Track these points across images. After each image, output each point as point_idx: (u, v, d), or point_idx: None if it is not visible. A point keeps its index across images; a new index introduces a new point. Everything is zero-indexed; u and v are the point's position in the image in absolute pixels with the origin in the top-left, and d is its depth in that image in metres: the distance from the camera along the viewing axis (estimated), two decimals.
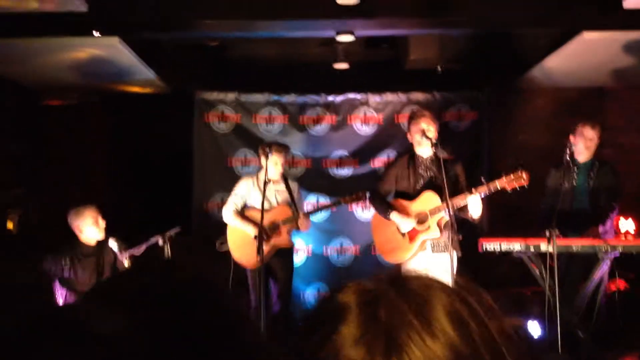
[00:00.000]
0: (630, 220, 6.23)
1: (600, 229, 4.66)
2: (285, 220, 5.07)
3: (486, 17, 5.18)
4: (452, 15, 5.09)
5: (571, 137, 4.87)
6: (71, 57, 5.58)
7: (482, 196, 4.28)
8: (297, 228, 5.10)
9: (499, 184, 4.22)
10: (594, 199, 4.86)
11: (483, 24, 5.42)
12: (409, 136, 4.72)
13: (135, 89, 6.71)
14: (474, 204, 4.24)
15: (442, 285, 0.81)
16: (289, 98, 6.64)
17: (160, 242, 4.37)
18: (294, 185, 5.32)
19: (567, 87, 6.99)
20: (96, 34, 5.00)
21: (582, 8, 4.97)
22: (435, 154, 4.47)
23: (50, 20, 4.73)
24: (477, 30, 5.78)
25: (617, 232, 6.09)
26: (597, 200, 4.84)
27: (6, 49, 5.32)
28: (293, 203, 5.15)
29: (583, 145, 4.77)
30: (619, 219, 6.16)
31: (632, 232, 6.16)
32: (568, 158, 4.69)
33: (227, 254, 5.21)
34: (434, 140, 4.44)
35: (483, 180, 4.27)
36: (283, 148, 5.19)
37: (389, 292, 0.78)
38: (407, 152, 4.84)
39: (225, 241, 5.22)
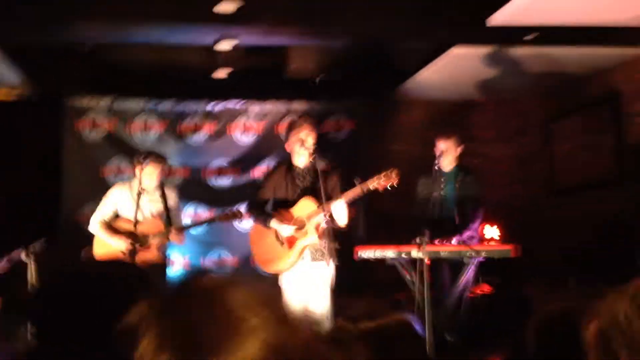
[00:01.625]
0: (495, 227, 6.61)
1: (465, 235, 4.90)
2: (156, 235, 4.90)
3: (363, 29, 5.32)
4: (330, 26, 5.19)
5: (437, 149, 5.10)
6: None
7: (348, 201, 4.36)
8: (169, 242, 4.94)
9: (370, 184, 4.32)
10: (460, 207, 5.10)
11: (359, 36, 5.56)
12: (287, 146, 4.74)
13: (2, 93, 6.30)
14: (337, 210, 4.33)
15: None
16: (166, 106, 6.48)
17: (23, 256, 4.11)
18: (171, 195, 5.14)
19: (439, 100, 7.32)
20: None
21: (452, 24, 5.22)
22: (312, 163, 4.51)
23: None
24: (354, 42, 5.92)
25: (482, 238, 6.45)
26: (463, 208, 5.08)
27: None
28: (167, 215, 4.97)
29: (442, 156, 5.01)
30: (485, 226, 6.52)
31: (497, 238, 6.54)
32: (436, 168, 4.92)
33: None
34: (311, 151, 4.49)
35: (356, 181, 4.35)
36: (159, 159, 5.01)
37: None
38: (285, 161, 4.86)
39: (91, 253, 4.97)
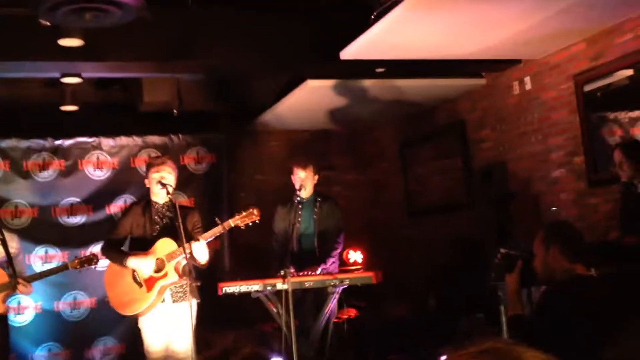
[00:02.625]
0: (358, 252, 6.80)
1: (329, 264, 4.99)
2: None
3: (217, 63, 5.31)
4: (183, 60, 5.12)
5: (292, 177, 5.16)
6: None
7: (212, 239, 4.33)
8: (16, 293, 4.55)
9: (232, 222, 4.33)
10: (320, 234, 5.16)
11: (215, 70, 5.54)
12: (146, 182, 4.59)
13: None
14: (198, 250, 4.26)
15: None
16: (10, 142, 6.07)
17: None
18: (13, 242, 4.70)
19: (298, 130, 7.45)
20: None
21: (306, 58, 5.34)
22: (171, 201, 4.40)
23: None
24: (209, 76, 5.90)
25: (347, 263, 6.61)
26: (324, 235, 5.16)
27: None
28: (11, 264, 4.53)
29: (299, 184, 5.07)
30: (349, 251, 6.69)
31: (360, 261, 6.73)
32: (296, 197, 4.99)
33: None
34: (169, 190, 4.37)
35: (218, 220, 4.33)
36: None
37: None
38: (143, 198, 4.70)
39: None
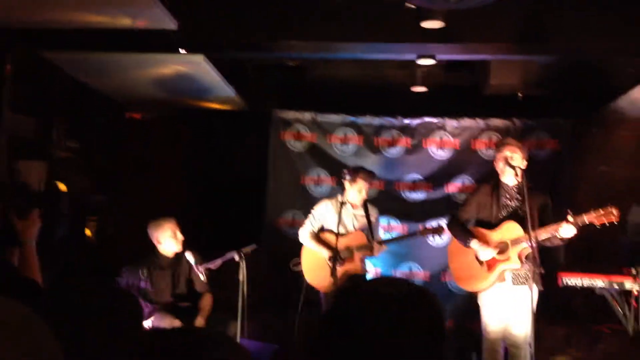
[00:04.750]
0: None
1: None
2: (359, 247, 5.04)
3: (577, 44, 5.04)
4: (541, 42, 4.98)
5: None
6: (157, 73, 5.75)
7: (570, 228, 4.13)
8: (371, 255, 5.06)
9: (587, 218, 4.07)
10: None
11: (574, 51, 5.27)
12: (495, 164, 4.62)
13: (215, 106, 6.86)
14: (567, 232, 4.10)
15: None
16: (364, 119, 6.64)
17: (237, 257, 4.41)
18: (373, 212, 5.27)
19: None
20: (182, 51, 5.14)
21: None
22: (520, 183, 4.34)
23: (140, 36, 4.89)
24: (567, 58, 5.64)
25: None
26: None
27: (97, 63, 5.53)
28: (370, 230, 5.10)
29: None
30: None
31: None
32: None
33: (300, 274, 5.23)
34: (517, 170, 4.33)
35: (569, 213, 4.12)
36: (370, 175, 5.15)
37: None
38: (492, 179, 4.73)
39: (299, 262, 5.24)
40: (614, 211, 4.02)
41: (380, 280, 1.39)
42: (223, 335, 1.18)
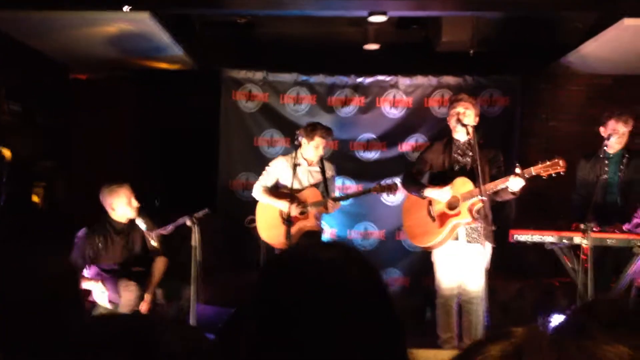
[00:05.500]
0: None
1: (633, 223, 4.57)
2: (314, 204, 5.03)
3: (522, 1, 5.05)
4: None
5: (601, 129, 4.77)
6: (101, 31, 5.54)
7: (518, 181, 4.17)
8: (326, 211, 5.06)
9: (534, 170, 4.12)
10: (624, 193, 4.78)
11: (522, 6, 5.27)
12: (448, 120, 4.64)
13: (163, 65, 6.67)
14: (516, 185, 4.14)
15: None
16: (317, 78, 6.55)
17: (189, 222, 4.34)
18: (329, 169, 5.26)
19: (603, 74, 6.83)
20: (126, 8, 4.95)
21: None
22: (472, 140, 4.37)
23: None
24: (514, 13, 5.63)
25: None
26: (628, 194, 4.76)
27: (38, 22, 5.30)
28: (325, 186, 5.10)
29: (614, 139, 4.66)
30: None
31: None
32: (603, 149, 4.61)
33: (255, 231, 5.20)
34: (468, 128, 4.35)
35: (518, 166, 4.17)
36: (327, 132, 5.13)
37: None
38: (444, 136, 4.74)
39: (253, 219, 5.22)
40: (561, 162, 4.07)
41: (302, 251, 1.29)
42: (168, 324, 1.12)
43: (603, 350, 0.74)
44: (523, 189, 4.20)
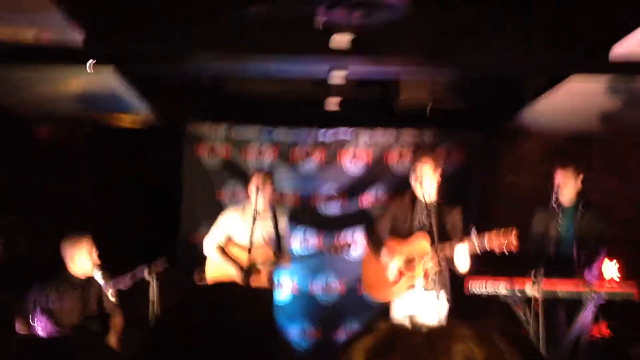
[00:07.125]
0: (615, 263, 6.24)
1: (586, 276, 4.69)
2: (265, 263, 5.03)
3: (480, 61, 5.24)
4: (446, 58, 5.15)
5: (555, 182, 4.93)
6: (64, 87, 5.59)
7: (471, 250, 4.29)
8: (280, 267, 5.07)
9: (488, 244, 4.27)
10: (579, 245, 4.89)
11: (480, 67, 5.47)
12: (410, 178, 4.75)
13: (127, 120, 6.72)
14: (458, 256, 4.26)
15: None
16: (279, 133, 6.66)
17: (146, 274, 4.33)
18: (282, 218, 5.29)
19: (555, 133, 7.07)
20: (90, 65, 5.01)
21: (572, 53, 5.04)
22: (434, 200, 4.49)
23: (45, 49, 4.74)
24: (469, 74, 5.85)
25: (601, 277, 6.11)
26: (583, 247, 4.87)
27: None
28: (277, 239, 5.09)
29: (564, 191, 4.83)
30: (603, 260, 6.18)
31: (617, 278, 6.17)
32: (553, 203, 4.75)
33: None
34: (433, 187, 4.46)
35: (474, 230, 4.29)
36: (269, 175, 5.18)
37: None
38: (408, 191, 4.84)
39: (203, 276, 5.16)
40: (514, 232, 4.21)
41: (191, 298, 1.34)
42: None
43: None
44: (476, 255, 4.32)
